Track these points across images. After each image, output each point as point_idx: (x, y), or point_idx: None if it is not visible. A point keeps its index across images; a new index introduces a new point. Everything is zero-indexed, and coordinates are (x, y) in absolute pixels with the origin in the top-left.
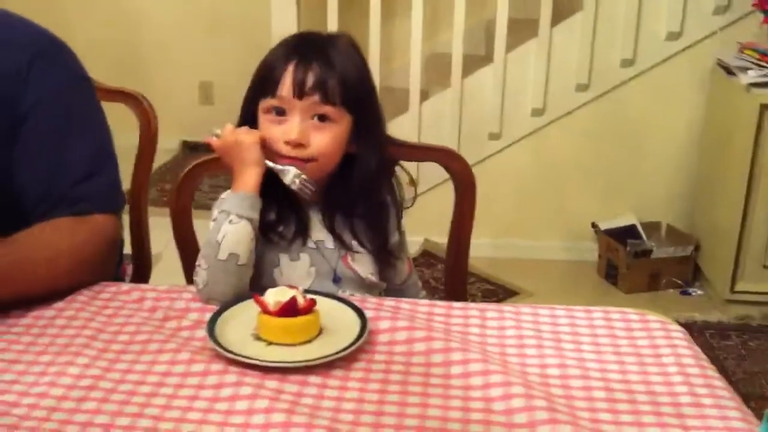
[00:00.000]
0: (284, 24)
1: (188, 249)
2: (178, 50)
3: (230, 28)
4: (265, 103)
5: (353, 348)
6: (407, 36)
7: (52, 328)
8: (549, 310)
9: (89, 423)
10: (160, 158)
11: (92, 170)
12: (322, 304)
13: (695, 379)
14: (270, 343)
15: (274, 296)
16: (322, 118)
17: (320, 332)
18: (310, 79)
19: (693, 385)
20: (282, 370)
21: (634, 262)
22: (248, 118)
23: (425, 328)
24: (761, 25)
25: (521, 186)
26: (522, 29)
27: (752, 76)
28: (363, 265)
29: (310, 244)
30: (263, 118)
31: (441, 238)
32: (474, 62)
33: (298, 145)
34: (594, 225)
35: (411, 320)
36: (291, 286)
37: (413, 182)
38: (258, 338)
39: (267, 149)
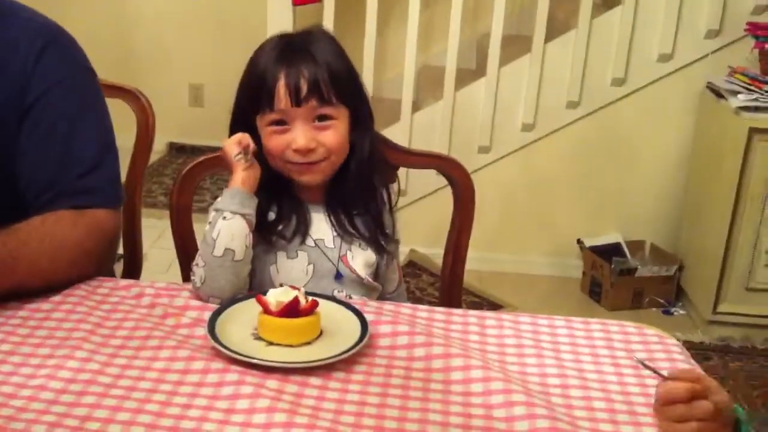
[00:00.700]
0: (280, 30)
1: (187, 248)
2: (170, 51)
3: (224, 31)
4: (265, 117)
5: (355, 350)
6: (400, 47)
7: (50, 321)
8: (547, 320)
9: (88, 417)
10: None
11: (97, 163)
12: (323, 306)
13: None
14: (270, 344)
15: (276, 296)
16: (323, 118)
17: (320, 334)
18: (304, 86)
19: None
20: (283, 371)
21: (618, 280)
22: (240, 127)
23: (426, 333)
24: (752, 50)
25: (509, 200)
26: (514, 45)
27: (742, 99)
28: (361, 266)
29: (309, 242)
30: (266, 131)
31: (427, 248)
32: (464, 76)
33: (308, 150)
34: (579, 241)
35: (411, 325)
36: (293, 287)
37: (398, 190)
38: (258, 338)
39: (277, 159)
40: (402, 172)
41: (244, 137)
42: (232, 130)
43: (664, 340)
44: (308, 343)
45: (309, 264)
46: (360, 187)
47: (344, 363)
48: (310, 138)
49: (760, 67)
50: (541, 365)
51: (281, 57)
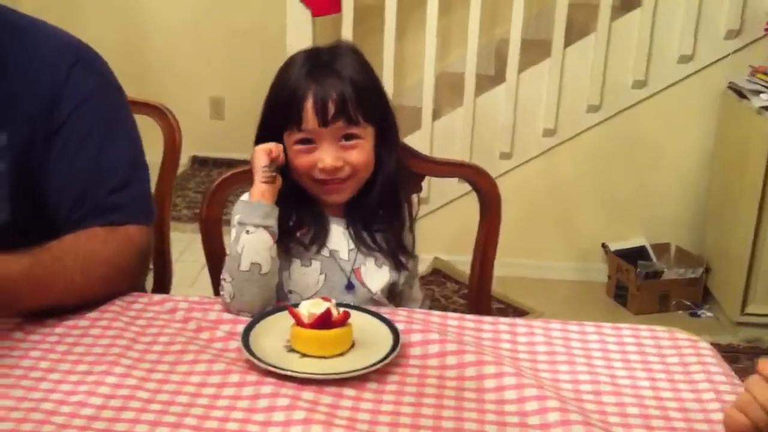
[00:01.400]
0: (299, 41)
1: (216, 259)
2: (189, 64)
3: (243, 43)
4: (292, 135)
5: (387, 360)
6: (418, 54)
7: (87, 337)
8: (578, 326)
9: None
10: None
11: (128, 179)
12: (354, 317)
13: (727, 396)
14: (304, 355)
15: (308, 308)
16: (350, 137)
17: (353, 345)
18: (332, 107)
19: (725, 402)
20: (317, 382)
21: (644, 284)
22: (267, 141)
23: (457, 341)
24: None
25: (532, 205)
26: (532, 50)
27: (764, 99)
28: (374, 282)
29: (325, 252)
30: (293, 148)
31: (451, 256)
32: (483, 82)
33: (334, 170)
34: (604, 246)
35: (442, 333)
36: (325, 299)
37: (418, 201)
38: (291, 350)
39: (303, 176)
40: (424, 180)
41: (276, 148)
42: (258, 143)
43: (696, 343)
44: (341, 354)
45: (321, 273)
46: (384, 202)
47: (377, 373)
48: (336, 157)
49: None
50: (573, 372)
51: (309, 76)
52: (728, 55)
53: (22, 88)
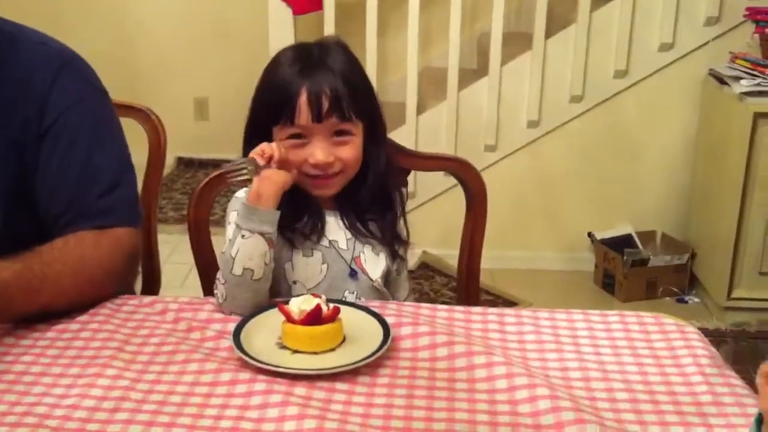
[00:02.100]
0: (282, 40)
1: (204, 260)
2: (172, 66)
3: (226, 44)
4: (284, 130)
5: (379, 354)
6: (400, 51)
7: (78, 341)
8: (566, 314)
9: None
10: None
11: (116, 182)
12: (344, 312)
13: (714, 378)
14: (295, 352)
15: (299, 305)
16: (341, 133)
17: (344, 340)
18: (325, 103)
19: (713, 384)
20: (309, 378)
21: (630, 271)
22: (256, 137)
23: (447, 332)
24: (753, 35)
25: (518, 197)
26: (514, 42)
27: (745, 85)
28: (374, 269)
29: (324, 242)
30: (284, 143)
31: (438, 249)
32: (466, 76)
33: (326, 165)
34: (590, 235)
35: (432, 325)
36: (315, 295)
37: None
38: (283, 347)
39: (295, 171)
40: (410, 174)
41: (269, 148)
42: (248, 141)
43: (683, 328)
44: (332, 350)
45: (323, 263)
46: (375, 197)
47: (369, 367)
48: (328, 153)
49: (761, 51)
50: (561, 359)
51: (302, 71)
52: (708, 42)
53: (18, 92)
